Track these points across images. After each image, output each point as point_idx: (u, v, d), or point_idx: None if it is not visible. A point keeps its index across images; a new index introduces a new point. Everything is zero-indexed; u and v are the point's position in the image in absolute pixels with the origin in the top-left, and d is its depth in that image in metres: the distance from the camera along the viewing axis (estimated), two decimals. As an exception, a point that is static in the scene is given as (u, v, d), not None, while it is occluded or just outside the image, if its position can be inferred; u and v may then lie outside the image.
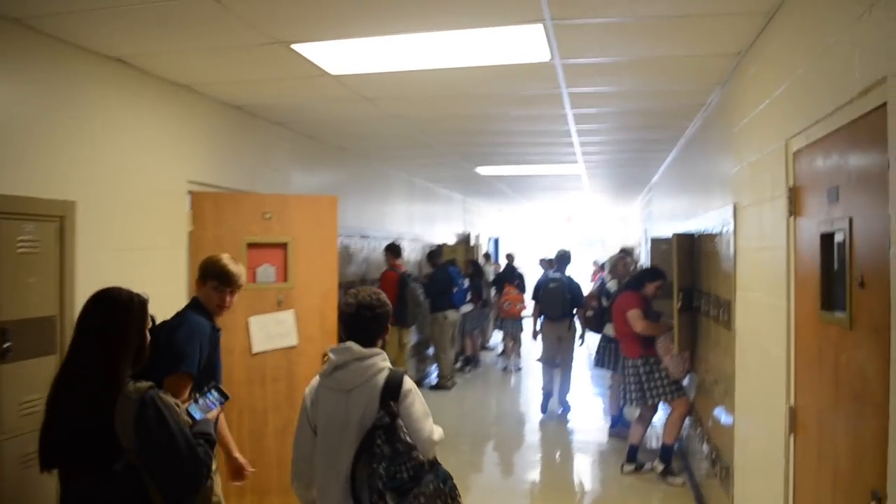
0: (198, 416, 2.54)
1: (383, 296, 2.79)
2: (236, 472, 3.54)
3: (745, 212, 3.97)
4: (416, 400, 2.67)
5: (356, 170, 8.02)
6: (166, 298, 4.38)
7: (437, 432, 2.71)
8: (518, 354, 11.87)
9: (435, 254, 10.30)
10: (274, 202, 4.98)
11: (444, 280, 9.90)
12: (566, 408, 8.71)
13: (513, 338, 11.66)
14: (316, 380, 2.71)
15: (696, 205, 5.93)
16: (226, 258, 3.36)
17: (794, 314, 2.99)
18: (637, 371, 6.17)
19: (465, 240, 13.71)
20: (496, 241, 18.62)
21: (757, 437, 3.65)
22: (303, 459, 2.70)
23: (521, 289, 11.87)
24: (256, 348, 4.85)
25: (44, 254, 3.45)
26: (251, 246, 4.89)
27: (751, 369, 3.81)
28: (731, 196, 4.29)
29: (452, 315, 9.98)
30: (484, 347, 12.80)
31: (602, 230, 22.39)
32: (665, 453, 6.13)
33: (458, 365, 11.29)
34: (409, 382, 2.68)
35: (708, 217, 5.21)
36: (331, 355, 2.65)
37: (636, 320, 6.18)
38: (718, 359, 4.75)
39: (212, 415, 2.64)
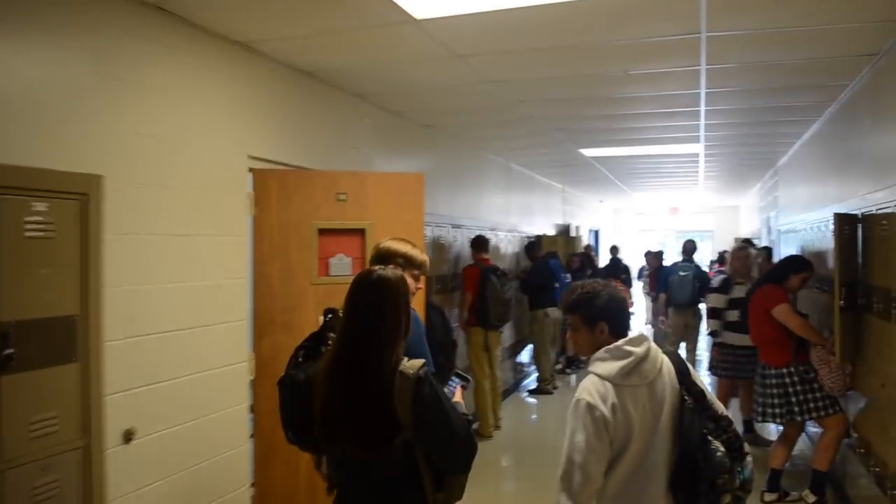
0: None
1: None
2: None
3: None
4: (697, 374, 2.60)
5: (447, 152, 7.24)
6: (223, 293, 3.76)
7: None
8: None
9: (534, 246, 9.48)
10: (349, 181, 4.25)
11: (545, 274, 9.07)
12: None
13: (619, 338, 10.65)
14: (604, 387, 2.39)
15: (859, 182, 4.84)
16: (407, 246, 3.00)
17: None
18: (783, 382, 5.11)
19: (564, 231, 12.76)
20: (596, 234, 17.55)
21: None
22: (600, 476, 2.35)
23: (628, 283, 10.87)
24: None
25: (61, 239, 2.79)
26: (323, 232, 4.18)
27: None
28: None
29: (553, 312, 9.10)
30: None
31: (709, 223, 20.89)
32: (818, 482, 5.06)
33: (560, 366, 10.38)
34: None
35: (883, 194, 4.15)
36: (630, 349, 2.42)
37: (789, 316, 5.12)
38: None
39: (457, 397, 2.63)
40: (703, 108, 5.69)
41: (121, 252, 3.06)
